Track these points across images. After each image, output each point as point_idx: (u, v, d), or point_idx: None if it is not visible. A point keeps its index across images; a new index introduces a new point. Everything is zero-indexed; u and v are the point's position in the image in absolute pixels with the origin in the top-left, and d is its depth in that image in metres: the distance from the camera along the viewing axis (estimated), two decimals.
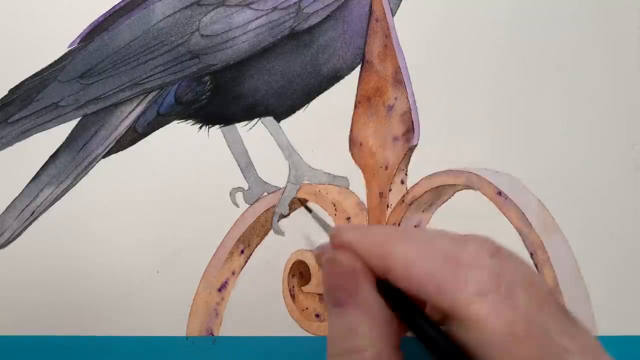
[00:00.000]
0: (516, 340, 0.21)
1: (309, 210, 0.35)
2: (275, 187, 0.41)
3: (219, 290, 0.40)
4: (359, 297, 0.22)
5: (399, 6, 0.42)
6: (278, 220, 0.41)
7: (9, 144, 0.42)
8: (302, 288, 0.40)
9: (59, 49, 0.42)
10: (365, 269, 0.22)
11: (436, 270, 0.22)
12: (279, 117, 0.42)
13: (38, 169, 0.41)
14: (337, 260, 0.23)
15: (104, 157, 0.42)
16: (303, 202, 0.38)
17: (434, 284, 0.21)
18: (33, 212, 0.41)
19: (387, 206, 0.41)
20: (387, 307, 0.22)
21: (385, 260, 0.22)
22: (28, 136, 0.41)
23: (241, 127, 0.42)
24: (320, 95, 0.42)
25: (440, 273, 0.22)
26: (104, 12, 0.42)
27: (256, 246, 0.41)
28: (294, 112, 0.42)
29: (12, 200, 0.41)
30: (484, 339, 0.21)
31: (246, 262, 0.41)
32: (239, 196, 0.41)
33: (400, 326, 0.23)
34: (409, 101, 0.41)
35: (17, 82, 0.42)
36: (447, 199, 0.41)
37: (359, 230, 0.23)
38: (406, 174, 0.41)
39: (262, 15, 0.40)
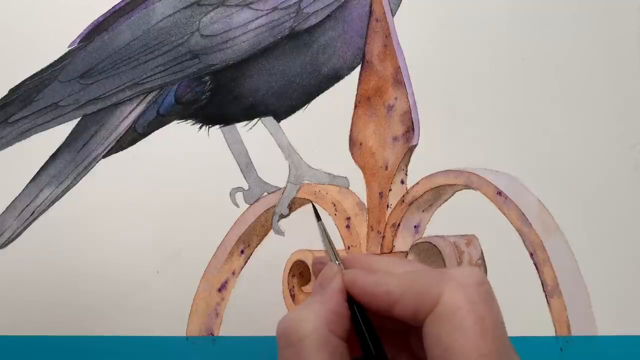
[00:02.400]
0: (483, 333, 0.23)
1: (319, 218, 0.35)
2: (275, 187, 0.41)
3: (219, 290, 0.40)
4: (326, 291, 0.28)
5: (399, 6, 0.42)
6: (278, 220, 0.41)
7: (9, 144, 0.42)
8: (302, 288, 0.40)
9: (59, 49, 0.42)
10: (341, 284, 0.28)
11: (420, 279, 0.25)
12: (279, 117, 0.42)
13: (38, 169, 0.41)
14: (324, 273, 0.29)
15: (104, 157, 0.42)
16: (315, 211, 0.38)
17: (415, 289, 0.25)
18: (33, 212, 0.41)
19: (387, 206, 0.41)
20: (346, 309, 0.27)
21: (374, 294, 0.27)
22: (28, 136, 0.41)
23: (241, 127, 0.42)
24: (320, 95, 0.42)
25: (426, 279, 0.25)
26: (104, 12, 0.42)
27: (256, 246, 0.41)
28: (294, 112, 0.42)
29: (12, 200, 0.41)
30: (453, 327, 0.23)
31: (246, 262, 0.41)
32: (239, 196, 0.41)
33: (350, 324, 0.27)
34: (409, 101, 0.41)
35: (17, 82, 0.42)
36: (447, 199, 0.41)
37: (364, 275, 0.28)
38: (406, 174, 0.41)
39: (262, 15, 0.40)
